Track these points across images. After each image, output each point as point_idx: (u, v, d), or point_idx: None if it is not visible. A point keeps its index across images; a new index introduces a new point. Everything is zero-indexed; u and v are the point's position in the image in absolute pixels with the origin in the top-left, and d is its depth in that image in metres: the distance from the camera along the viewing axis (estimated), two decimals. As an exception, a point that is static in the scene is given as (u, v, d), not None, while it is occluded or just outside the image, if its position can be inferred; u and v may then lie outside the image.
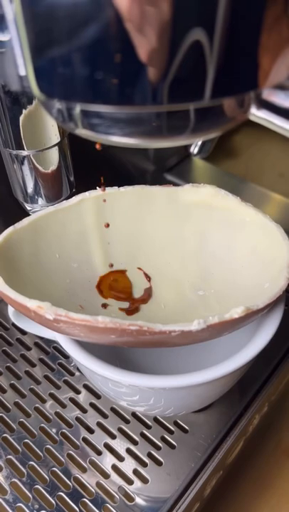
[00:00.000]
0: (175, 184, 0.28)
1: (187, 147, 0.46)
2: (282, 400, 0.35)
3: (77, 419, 0.29)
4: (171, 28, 0.12)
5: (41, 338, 0.32)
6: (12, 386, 0.30)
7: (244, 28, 0.12)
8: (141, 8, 0.12)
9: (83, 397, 0.29)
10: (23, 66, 0.14)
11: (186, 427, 0.28)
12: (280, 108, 0.14)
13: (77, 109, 0.15)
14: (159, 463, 0.26)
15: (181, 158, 0.48)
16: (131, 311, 0.26)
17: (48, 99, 0.14)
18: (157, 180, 0.46)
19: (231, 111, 0.15)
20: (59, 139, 0.26)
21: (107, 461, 0.27)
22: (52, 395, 0.30)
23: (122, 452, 0.27)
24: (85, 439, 0.28)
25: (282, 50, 0.13)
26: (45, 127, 0.24)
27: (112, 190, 0.27)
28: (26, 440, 0.28)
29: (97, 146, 0.21)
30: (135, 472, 0.26)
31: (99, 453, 0.27)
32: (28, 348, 0.32)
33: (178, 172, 0.47)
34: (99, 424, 0.28)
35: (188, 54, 0.12)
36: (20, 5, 0.12)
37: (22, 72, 0.14)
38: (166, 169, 0.47)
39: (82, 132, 0.16)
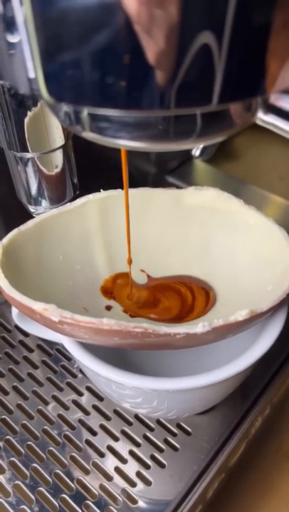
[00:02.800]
0: (177, 186, 0.28)
1: (189, 150, 0.46)
2: (284, 402, 0.35)
3: (80, 421, 0.29)
4: (180, 31, 0.12)
5: (44, 340, 0.32)
6: (15, 388, 0.30)
7: (253, 33, 0.12)
8: (150, 12, 0.12)
9: (86, 399, 0.29)
10: (32, 69, 0.14)
11: (189, 430, 0.28)
12: (287, 113, 0.14)
13: (85, 112, 0.15)
14: (162, 465, 0.27)
15: (183, 160, 0.48)
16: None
17: (56, 103, 0.14)
18: (159, 182, 0.46)
19: (238, 115, 0.15)
20: (63, 142, 0.26)
21: (110, 463, 0.27)
22: (55, 397, 0.30)
23: (125, 454, 0.27)
24: (87, 441, 0.28)
25: (290, 55, 0.13)
26: (50, 130, 0.25)
27: (115, 193, 0.27)
28: (29, 442, 0.28)
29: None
30: (138, 474, 0.26)
31: (102, 455, 0.27)
32: (31, 350, 0.32)
33: (179, 174, 0.47)
34: (102, 427, 0.28)
35: (196, 59, 0.12)
36: (30, 10, 0.12)
37: (31, 74, 0.14)
38: (168, 171, 0.47)
39: (89, 135, 0.16)
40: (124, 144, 0.15)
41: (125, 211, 0.24)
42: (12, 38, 0.13)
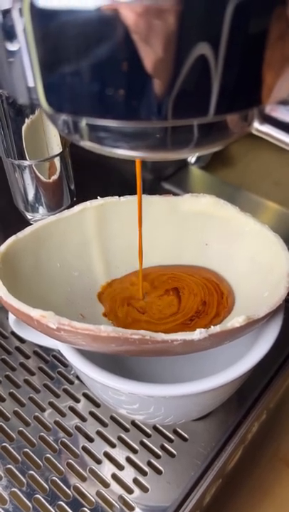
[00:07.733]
0: (173, 193, 0.28)
1: (185, 156, 0.47)
2: (281, 407, 0.35)
3: (77, 427, 0.29)
4: (177, 44, 0.12)
5: (40, 347, 0.32)
6: (11, 395, 0.30)
7: (249, 45, 0.13)
8: (148, 25, 0.12)
9: (83, 406, 0.29)
10: (31, 77, 0.14)
11: (186, 436, 0.28)
12: (283, 123, 0.14)
13: (84, 122, 0.15)
14: (158, 471, 0.27)
15: (179, 167, 0.48)
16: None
17: (56, 114, 0.14)
18: (155, 189, 0.46)
19: (234, 125, 0.15)
20: (61, 149, 0.26)
21: (107, 469, 0.27)
22: (51, 404, 0.30)
23: (122, 461, 0.27)
24: (84, 448, 0.28)
25: (285, 66, 0.13)
26: (48, 137, 0.25)
27: (112, 200, 0.27)
28: (26, 449, 0.28)
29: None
30: (135, 481, 0.26)
31: (98, 462, 0.27)
32: (27, 357, 0.32)
33: (175, 181, 0.47)
34: (98, 433, 0.28)
35: (193, 71, 0.13)
36: (30, 22, 0.12)
37: (31, 83, 0.14)
38: (164, 178, 0.47)
39: (88, 144, 0.16)
40: (122, 153, 0.15)
41: (138, 225, 0.24)
42: (11, 46, 0.13)
